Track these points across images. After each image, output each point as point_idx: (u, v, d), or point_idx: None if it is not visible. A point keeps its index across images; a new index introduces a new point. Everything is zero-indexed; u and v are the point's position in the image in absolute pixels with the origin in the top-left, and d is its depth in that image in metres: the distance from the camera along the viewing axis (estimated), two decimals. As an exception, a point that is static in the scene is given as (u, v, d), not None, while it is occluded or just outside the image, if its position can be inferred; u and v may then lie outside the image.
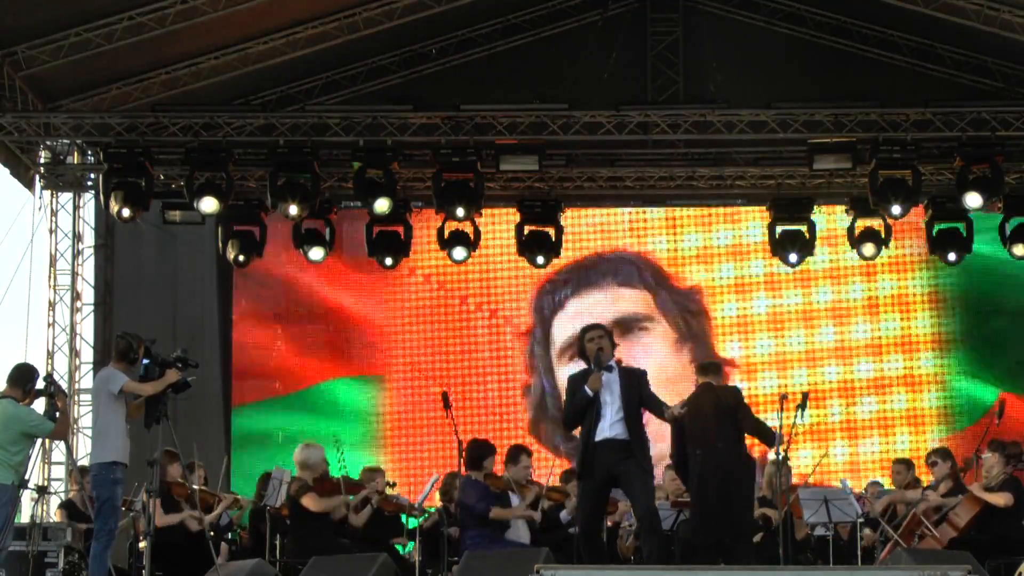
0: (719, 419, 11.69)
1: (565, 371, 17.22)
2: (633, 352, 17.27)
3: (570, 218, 17.13)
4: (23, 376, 11.03)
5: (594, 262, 18.15)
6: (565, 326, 17.86)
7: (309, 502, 12.46)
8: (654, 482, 11.09)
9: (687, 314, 17.94)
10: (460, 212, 15.67)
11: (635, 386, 10.89)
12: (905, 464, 13.81)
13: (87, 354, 17.58)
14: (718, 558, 11.59)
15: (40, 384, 11.09)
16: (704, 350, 17.77)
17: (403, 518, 13.43)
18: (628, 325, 17.85)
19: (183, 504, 12.47)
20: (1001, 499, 12.26)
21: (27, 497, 12.31)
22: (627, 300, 18.03)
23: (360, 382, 17.99)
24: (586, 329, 11.18)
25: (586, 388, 10.79)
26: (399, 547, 13.31)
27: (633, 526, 12.82)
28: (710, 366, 12.42)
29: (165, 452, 11.35)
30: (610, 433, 10.73)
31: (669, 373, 17.44)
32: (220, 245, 16.47)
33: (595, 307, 17.83)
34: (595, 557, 10.87)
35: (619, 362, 11.11)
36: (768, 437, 11.86)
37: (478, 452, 12.57)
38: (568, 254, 17.40)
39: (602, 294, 18.07)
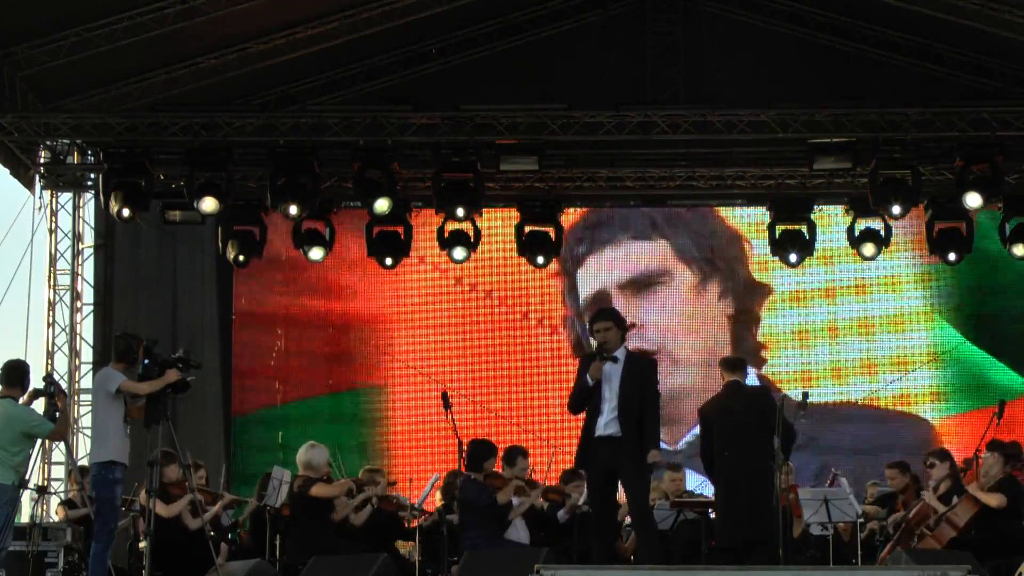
0: (749, 421, 11.47)
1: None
2: (650, 310, 17.65)
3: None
4: (17, 373, 10.96)
5: (607, 217, 18.11)
6: (589, 280, 17.96)
7: (319, 490, 12.39)
8: (649, 478, 11.13)
9: (711, 248, 17.60)
10: (460, 212, 15.70)
11: (636, 379, 10.84)
12: (900, 467, 13.78)
13: (87, 354, 17.55)
14: (741, 560, 11.37)
15: (40, 384, 11.08)
16: (740, 280, 17.80)
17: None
18: (644, 283, 17.86)
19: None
20: (994, 500, 12.24)
21: (27, 497, 12.31)
22: (641, 255, 17.96)
23: (360, 382, 17.98)
24: (594, 318, 11.20)
25: (587, 377, 10.83)
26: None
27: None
28: (737, 362, 12.14)
29: (163, 453, 11.33)
30: (605, 431, 10.78)
31: (694, 321, 17.77)
32: (220, 245, 16.48)
33: (611, 264, 17.93)
34: (609, 538, 10.99)
35: (641, 353, 11.03)
36: (787, 446, 11.44)
37: (479, 453, 12.45)
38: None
39: (616, 251, 18.02)
